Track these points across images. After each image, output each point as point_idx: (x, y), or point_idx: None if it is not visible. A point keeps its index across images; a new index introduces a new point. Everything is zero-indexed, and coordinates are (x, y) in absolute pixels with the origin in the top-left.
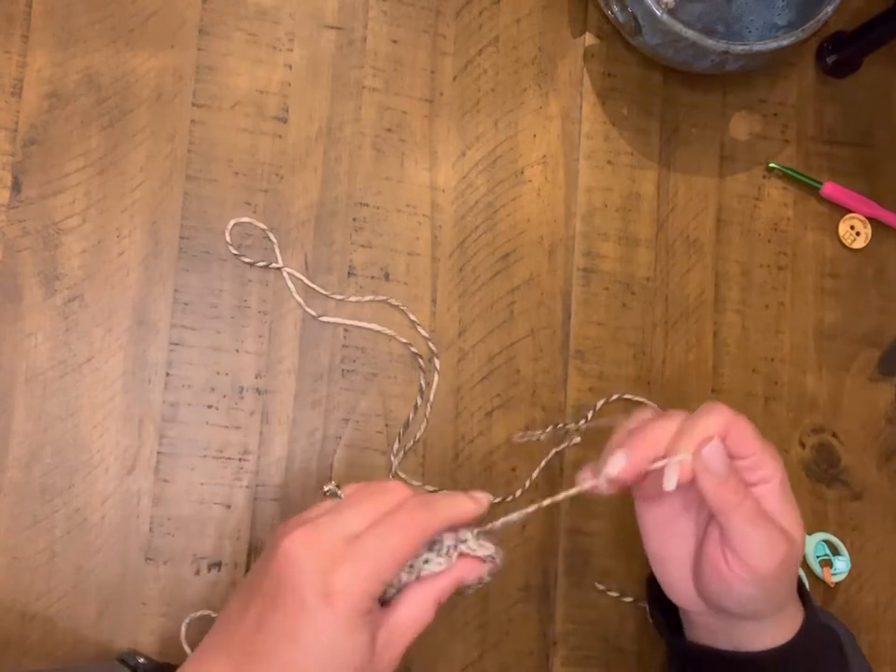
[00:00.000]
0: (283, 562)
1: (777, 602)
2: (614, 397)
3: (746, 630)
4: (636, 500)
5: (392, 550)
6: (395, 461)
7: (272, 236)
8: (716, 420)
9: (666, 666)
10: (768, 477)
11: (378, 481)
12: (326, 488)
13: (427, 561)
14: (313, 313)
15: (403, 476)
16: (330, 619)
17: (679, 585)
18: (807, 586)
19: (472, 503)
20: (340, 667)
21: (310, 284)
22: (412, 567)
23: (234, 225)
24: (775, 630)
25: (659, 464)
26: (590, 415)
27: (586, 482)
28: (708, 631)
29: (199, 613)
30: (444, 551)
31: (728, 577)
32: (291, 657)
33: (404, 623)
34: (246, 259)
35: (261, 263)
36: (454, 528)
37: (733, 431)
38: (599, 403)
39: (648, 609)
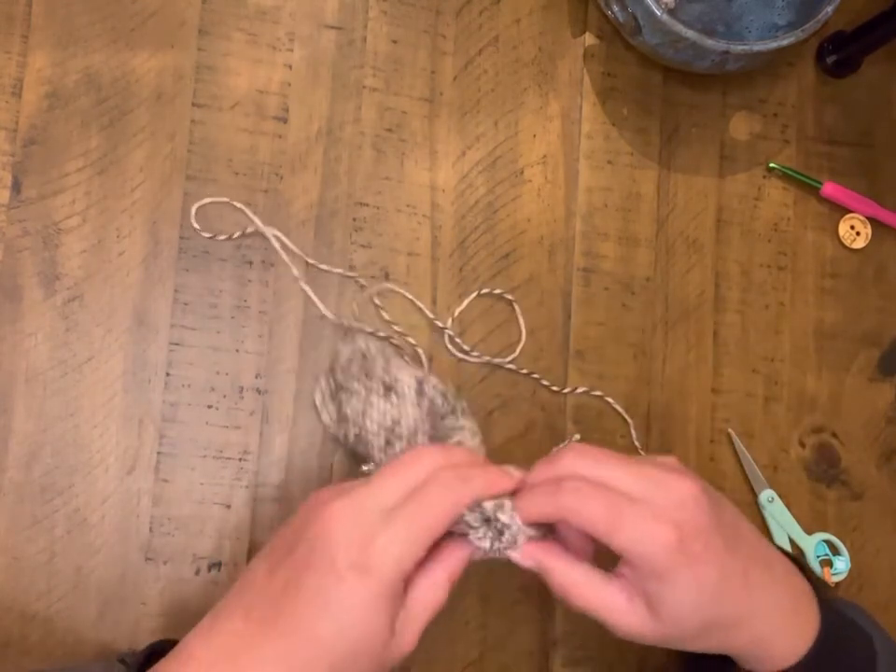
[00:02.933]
0: (320, 530)
1: (727, 646)
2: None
3: (754, 658)
4: None
5: (425, 526)
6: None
7: (246, 210)
8: (533, 510)
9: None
10: (644, 559)
11: (413, 450)
12: (365, 468)
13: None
14: (311, 302)
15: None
16: (362, 592)
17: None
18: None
19: (506, 478)
20: (361, 643)
21: (292, 246)
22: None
23: (225, 217)
24: (784, 649)
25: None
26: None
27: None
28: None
29: None
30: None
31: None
32: (316, 624)
33: (419, 604)
34: (220, 237)
35: (237, 234)
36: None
37: (572, 518)
38: (580, 389)
39: None
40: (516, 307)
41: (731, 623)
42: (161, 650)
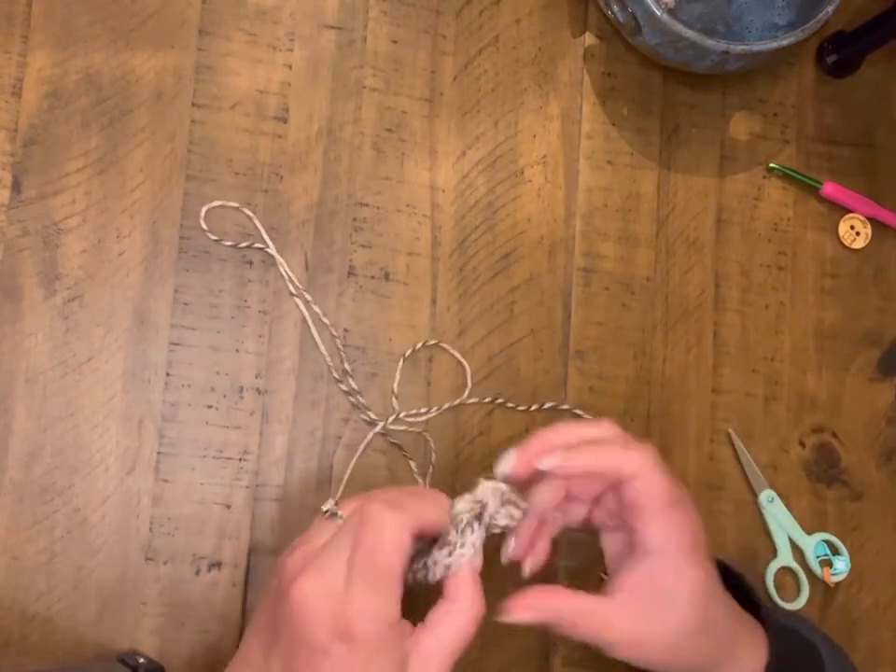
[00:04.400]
0: (295, 612)
1: (710, 657)
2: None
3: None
4: None
5: (383, 568)
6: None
7: (247, 211)
8: (579, 463)
9: None
10: (651, 541)
11: (363, 496)
12: (325, 508)
13: (462, 544)
14: (309, 301)
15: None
16: (352, 655)
17: None
18: (763, 601)
19: (438, 510)
20: None
21: (286, 271)
22: (446, 549)
23: (224, 217)
24: (744, 668)
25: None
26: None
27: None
28: None
29: None
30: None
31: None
32: None
33: (430, 637)
34: (228, 243)
35: (244, 244)
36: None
37: (619, 471)
38: (548, 404)
39: None
40: (453, 352)
41: (711, 605)
42: None
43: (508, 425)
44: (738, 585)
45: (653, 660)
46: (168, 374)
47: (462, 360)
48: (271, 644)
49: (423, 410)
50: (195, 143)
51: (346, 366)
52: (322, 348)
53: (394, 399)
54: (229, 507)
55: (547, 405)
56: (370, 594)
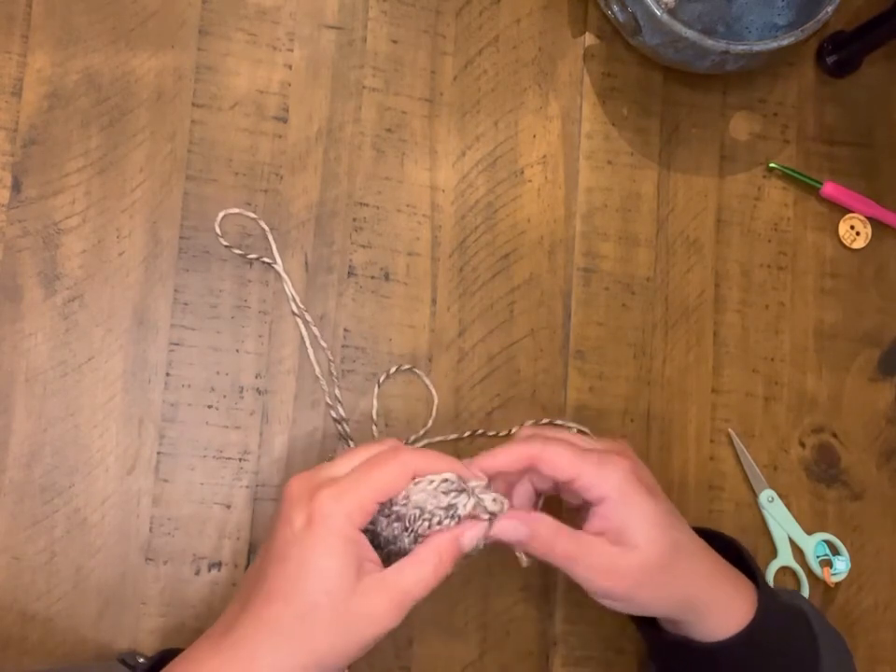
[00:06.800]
0: (281, 502)
1: (679, 601)
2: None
3: (693, 627)
4: None
5: (371, 479)
6: None
7: (262, 224)
8: (505, 458)
9: (647, 657)
10: (604, 495)
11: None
12: (330, 456)
13: (428, 524)
14: (298, 309)
15: None
16: (311, 539)
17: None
18: (759, 569)
19: (451, 461)
20: (316, 591)
21: (290, 291)
22: (410, 531)
23: (226, 218)
24: (724, 619)
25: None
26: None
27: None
28: (674, 625)
29: None
30: (448, 514)
31: (612, 603)
32: (277, 580)
33: (395, 570)
34: (238, 251)
35: (252, 255)
36: (458, 487)
37: (542, 462)
38: (528, 422)
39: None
40: (423, 378)
41: (687, 553)
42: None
43: (508, 425)
44: (739, 557)
45: (620, 594)
46: (168, 374)
47: (432, 390)
48: (261, 548)
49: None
50: (195, 143)
51: (337, 392)
52: (317, 370)
53: (374, 427)
54: (229, 507)
55: (528, 422)
56: (345, 493)
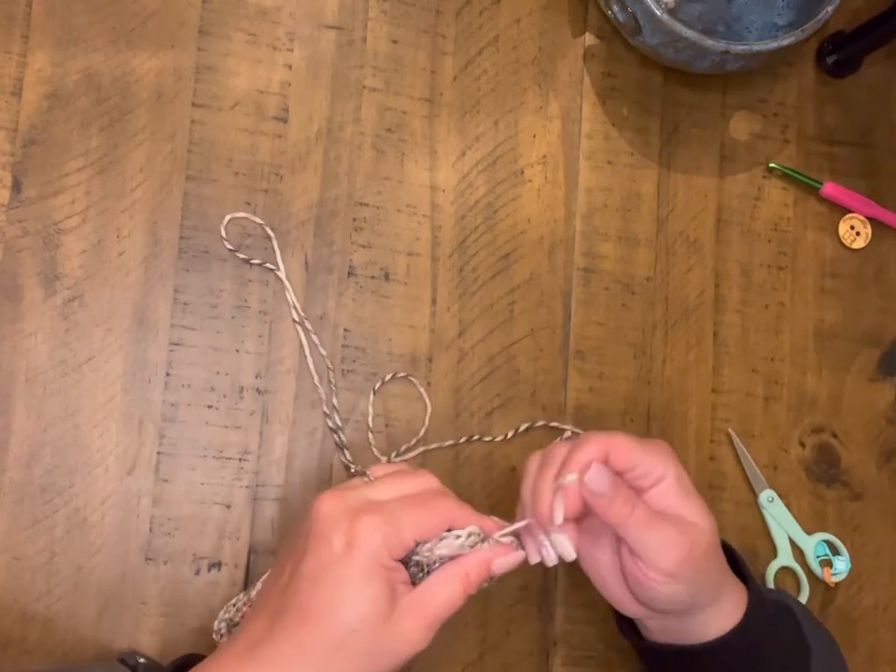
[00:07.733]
0: (314, 518)
1: (707, 590)
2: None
3: (695, 623)
4: None
5: (414, 517)
6: (396, 461)
7: (268, 230)
8: (590, 448)
9: (638, 669)
10: (660, 477)
11: (412, 467)
12: (353, 468)
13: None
14: (299, 315)
15: None
16: (349, 564)
17: (620, 599)
18: (748, 565)
19: (489, 521)
20: (353, 616)
21: (292, 299)
22: (427, 572)
23: (230, 221)
24: (721, 617)
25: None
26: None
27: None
28: (664, 632)
29: None
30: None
31: (647, 582)
32: (312, 602)
33: (427, 594)
34: (242, 255)
35: (256, 261)
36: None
37: (612, 452)
38: (522, 426)
39: (614, 618)
40: (418, 387)
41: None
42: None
43: (508, 425)
44: (731, 558)
45: (688, 573)
46: (168, 374)
47: (426, 398)
48: (287, 559)
49: (395, 454)
50: (195, 143)
51: (335, 401)
52: (316, 379)
53: (370, 434)
54: (229, 507)
55: (522, 427)
56: (387, 524)
